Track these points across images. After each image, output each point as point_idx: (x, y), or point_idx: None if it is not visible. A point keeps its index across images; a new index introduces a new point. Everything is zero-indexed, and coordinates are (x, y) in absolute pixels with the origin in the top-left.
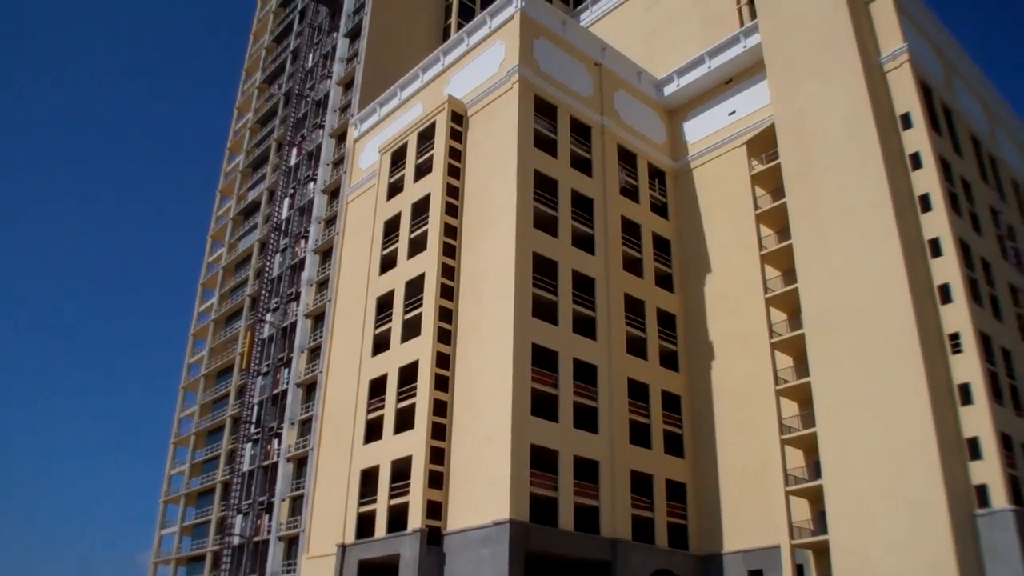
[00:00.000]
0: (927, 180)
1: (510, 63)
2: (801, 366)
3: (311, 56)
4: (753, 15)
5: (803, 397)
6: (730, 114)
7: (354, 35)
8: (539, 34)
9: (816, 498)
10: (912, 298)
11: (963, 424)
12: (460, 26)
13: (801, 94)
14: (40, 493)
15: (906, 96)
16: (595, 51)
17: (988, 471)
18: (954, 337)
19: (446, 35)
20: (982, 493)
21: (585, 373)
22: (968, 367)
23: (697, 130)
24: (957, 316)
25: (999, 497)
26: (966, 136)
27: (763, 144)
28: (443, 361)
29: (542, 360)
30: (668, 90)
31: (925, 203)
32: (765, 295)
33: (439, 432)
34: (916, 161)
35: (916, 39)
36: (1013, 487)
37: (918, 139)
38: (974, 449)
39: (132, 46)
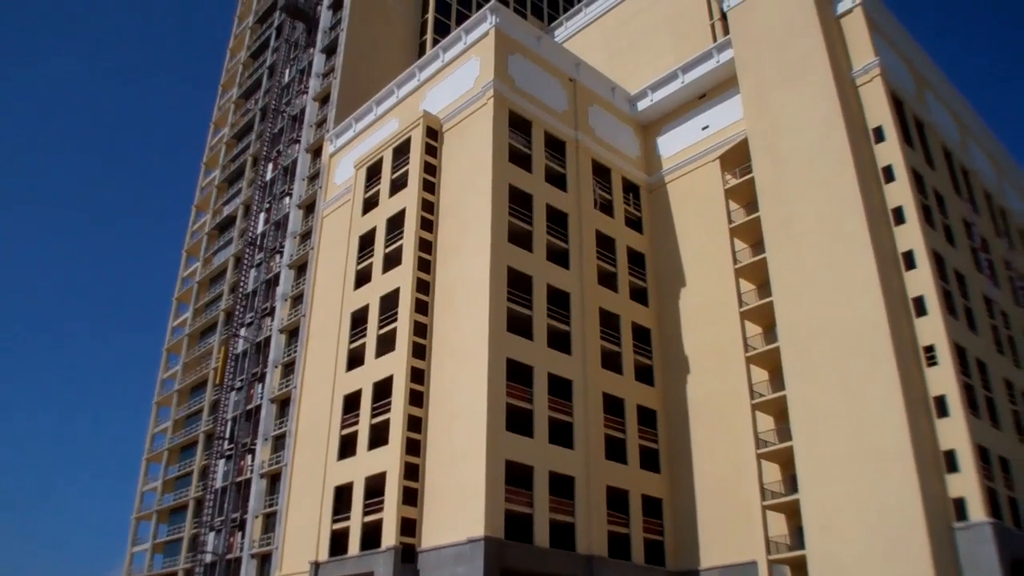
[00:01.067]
0: (900, 193)
1: (485, 79)
2: (777, 380)
3: (288, 71)
4: (726, 30)
5: (779, 411)
6: (703, 128)
7: (330, 51)
8: (514, 50)
9: (793, 512)
10: (887, 311)
11: (940, 437)
12: (436, 42)
13: (774, 108)
14: (5, 510)
15: (878, 109)
16: (569, 67)
17: (965, 484)
18: (929, 349)
19: (422, 51)
20: (960, 506)
21: (560, 388)
22: (944, 379)
23: (671, 145)
24: (932, 328)
25: (977, 510)
26: (938, 148)
27: (736, 158)
28: (418, 376)
29: (517, 375)
30: (642, 105)
31: (899, 216)
32: (740, 308)
33: (413, 448)
34: (889, 174)
35: (888, 53)
36: (991, 500)
37: (891, 152)
38: (951, 462)
39: (109, 57)
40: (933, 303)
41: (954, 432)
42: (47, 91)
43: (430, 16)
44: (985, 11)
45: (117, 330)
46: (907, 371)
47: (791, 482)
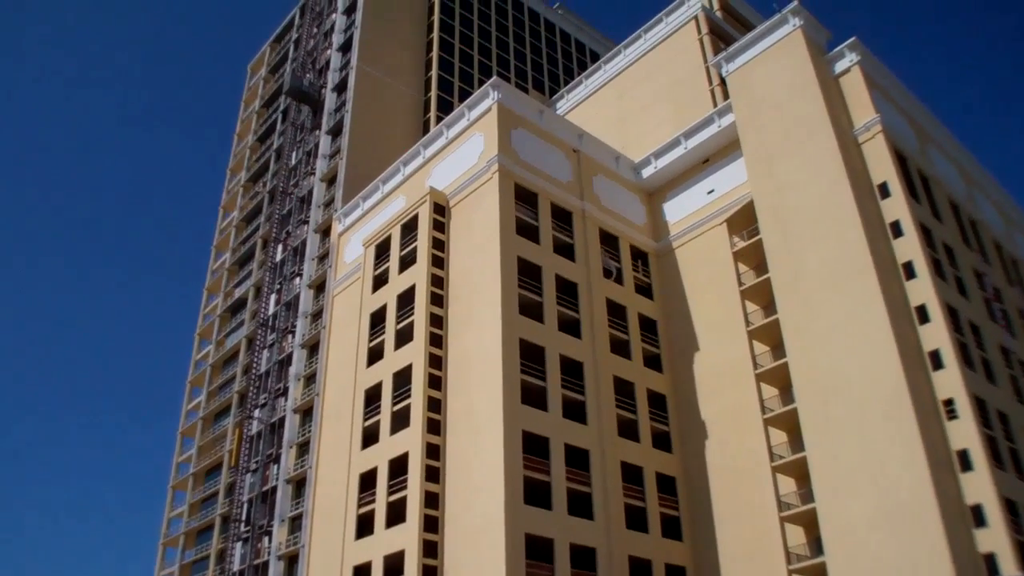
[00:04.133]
0: (909, 247)
1: (489, 153)
2: (796, 441)
3: (294, 154)
4: (725, 95)
5: (800, 472)
6: (708, 193)
7: (336, 132)
8: (517, 124)
9: (820, 575)
10: (903, 366)
11: (965, 491)
12: (439, 119)
13: (778, 170)
14: None
15: (882, 166)
16: (572, 138)
17: (994, 538)
18: (948, 403)
19: (426, 128)
20: (990, 562)
21: (577, 458)
22: (965, 433)
23: (677, 210)
24: (950, 382)
25: (1008, 565)
26: (945, 201)
27: (743, 221)
28: (433, 452)
29: (533, 447)
30: (646, 172)
31: (909, 270)
32: (755, 371)
33: (431, 525)
34: (897, 229)
35: (888, 110)
36: (1021, 554)
37: (897, 207)
38: (978, 516)
39: (116, 147)
40: (949, 356)
41: (979, 486)
42: (52, 182)
43: (433, 94)
44: (982, 59)
45: (131, 417)
46: (927, 426)
47: (816, 544)
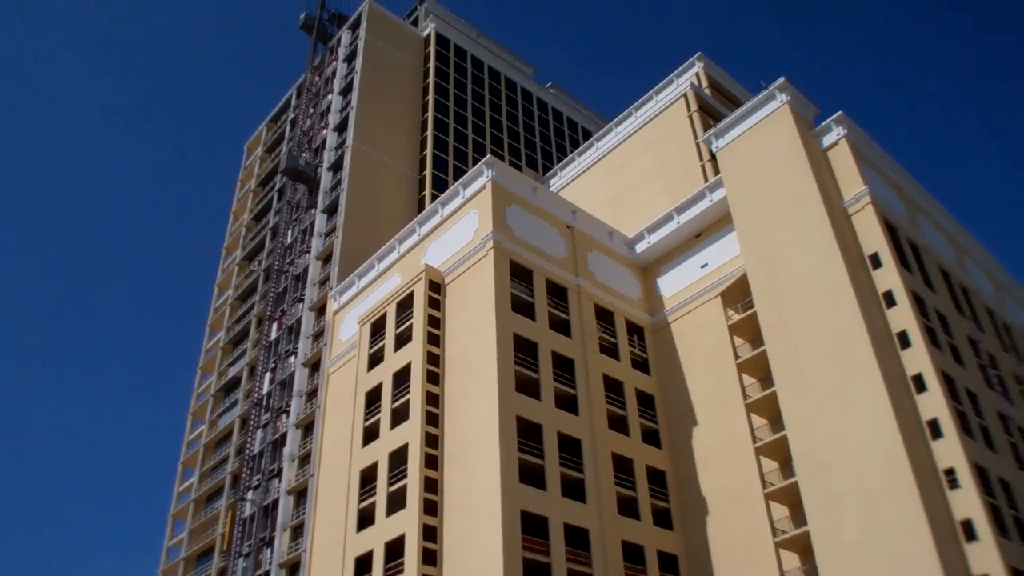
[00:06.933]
0: (903, 317)
1: (484, 230)
2: (798, 515)
3: (290, 232)
4: (716, 170)
5: (803, 547)
6: (702, 267)
7: (331, 210)
8: (511, 201)
9: None
10: (902, 436)
11: (971, 563)
12: (434, 197)
13: (770, 243)
14: None
15: (873, 236)
16: (566, 214)
17: None
18: (950, 472)
19: (420, 206)
20: None
21: (577, 538)
22: (968, 502)
23: (671, 284)
24: (950, 450)
25: None
26: (936, 270)
27: (737, 294)
28: (430, 533)
29: (532, 527)
30: (640, 247)
31: (904, 340)
32: (754, 445)
33: None
34: (890, 299)
35: (876, 181)
36: None
37: (889, 278)
38: None
39: (110, 225)
40: (948, 425)
41: (986, 557)
42: (48, 264)
43: (428, 172)
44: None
45: (122, 500)
46: (929, 496)
47: None
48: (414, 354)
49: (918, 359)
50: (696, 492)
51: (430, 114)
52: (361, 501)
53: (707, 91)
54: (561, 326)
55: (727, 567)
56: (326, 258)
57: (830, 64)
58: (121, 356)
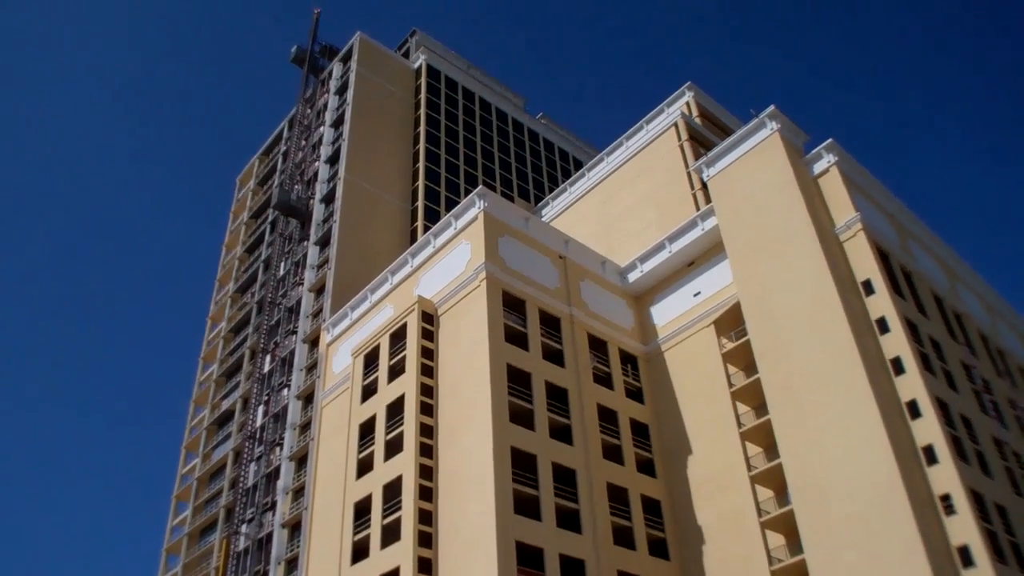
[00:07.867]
0: (896, 343)
1: (476, 261)
2: (795, 543)
3: (283, 264)
4: (708, 199)
5: (800, 575)
6: (695, 295)
7: (324, 242)
8: (503, 232)
9: None
10: (898, 462)
11: None
12: (426, 228)
13: (762, 270)
14: None
15: (865, 263)
16: (558, 244)
17: None
18: (946, 498)
19: (413, 237)
20: None
21: (573, 569)
22: (964, 528)
23: (664, 313)
24: (946, 477)
25: None
26: (929, 296)
27: (731, 322)
28: (425, 566)
29: (528, 558)
30: (632, 276)
31: (897, 366)
32: (749, 473)
33: None
34: (883, 326)
35: (867, 208)
36: None
37: (882, 304)
38: None
39: (103, 258)
40: (943, 450)
41: None
42: (48, 299)
43: (420, 203)
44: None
45: (116, 535)
46: (925, 522)
47: None
48: (408, 385)
49: (912, 385)
50: (692, 521)
51: (422, 145)
52: (356, 533)
53: (697, 120)
54: (554, 356)
55: None
56: (319, 290)
57: (820, 90)
58: (114, 389)
